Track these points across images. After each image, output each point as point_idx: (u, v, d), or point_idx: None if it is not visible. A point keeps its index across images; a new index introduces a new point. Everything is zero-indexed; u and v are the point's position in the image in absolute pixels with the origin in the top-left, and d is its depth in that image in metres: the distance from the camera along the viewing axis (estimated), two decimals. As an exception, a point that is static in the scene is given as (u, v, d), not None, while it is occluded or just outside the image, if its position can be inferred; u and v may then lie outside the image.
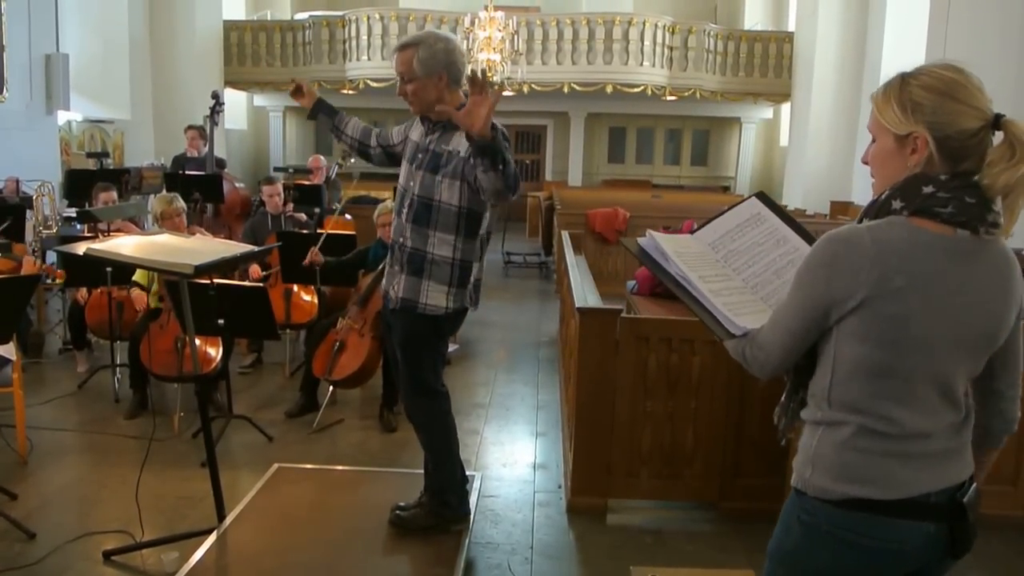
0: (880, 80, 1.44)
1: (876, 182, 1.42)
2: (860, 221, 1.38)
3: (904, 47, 10.39)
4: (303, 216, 6.11)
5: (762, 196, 1.68)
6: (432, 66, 2.67)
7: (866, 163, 1.44)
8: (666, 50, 13.17)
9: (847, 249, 1.31)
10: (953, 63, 1.36)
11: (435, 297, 2.75)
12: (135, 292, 4.68)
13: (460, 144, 2.65)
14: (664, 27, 13.12)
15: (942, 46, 7.09)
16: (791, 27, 13.88)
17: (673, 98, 13.66)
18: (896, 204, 1.34)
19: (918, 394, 1.34)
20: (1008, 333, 1.40)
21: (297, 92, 3.03)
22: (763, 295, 1.53)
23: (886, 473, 1.34)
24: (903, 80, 1.36)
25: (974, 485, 1.42)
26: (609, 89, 13.09)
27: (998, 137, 1.33)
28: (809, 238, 1.59)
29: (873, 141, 1.41)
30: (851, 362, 1.35)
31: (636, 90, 13.11)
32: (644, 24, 12.91)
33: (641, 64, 12.97)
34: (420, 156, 2.78)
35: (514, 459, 4.09)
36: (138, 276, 4.66)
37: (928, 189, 1.32)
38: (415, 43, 2.69)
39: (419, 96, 2.71)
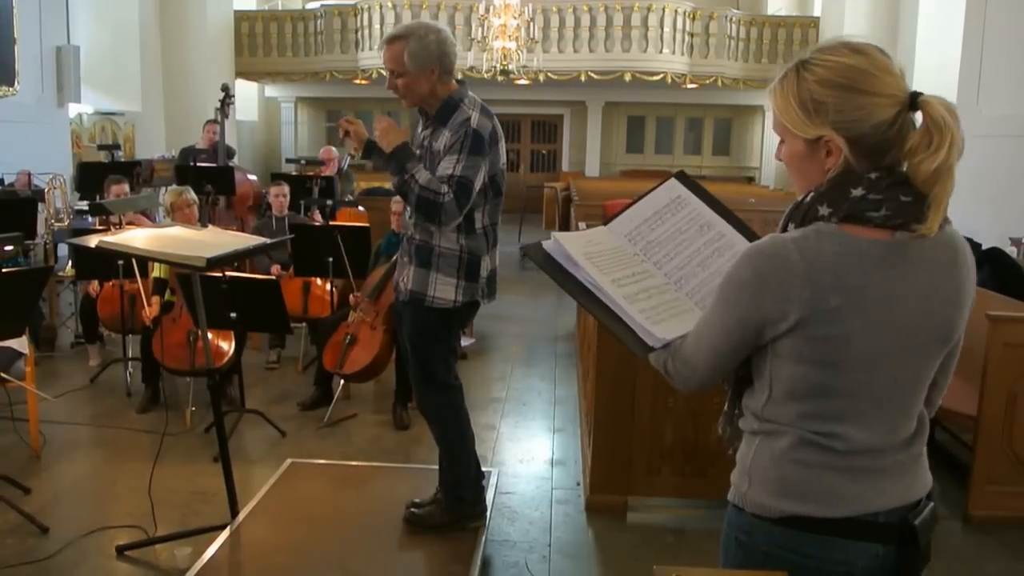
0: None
1: (796, 182, 1.28)
2: (784, 227, 1.24)
3: (940, 32, 9.97)
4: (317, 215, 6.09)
5: (682, 176, 1.51)
6: (424, 59, 2.60)
7: (780, 160, 1.29)
8: (686, 36, 12.95)
9: (772, 267, 1.17)
10: (851, 41, 1.18)
11: (443, 290, 2.70)
12: (154, 299, 4.51)
13: (444, 143, 2.61)
14: (684, 13, 12.90)
15: (980, 32, 6.86)
16: (816, 12, 13.60)
17: (694, 86, 13.45)
18: (823, 210, 1.18)
19: (865, 410, 1.21)
20: (961, 330, 1.26)
21: (347, 136, 2.76)
22: (688, 290, 1.39)
23: (828, 489, 1.22)
24: (798, 73, 1.20)
25: (930, 505, 1.28)
26: (627, 77, 12.91)
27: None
28: (735, 220, 1.45)
29: (782, 140, 1.26)
30: (788, 382, 1.23)
31: (655, 78, 12.91)
32: (664, 10, 12.69)
33: (660, 51, 12.78)
34: (419, 152, 2.74)
35: (531, 455, 4.02)
36: (157, 271, 4.59)
37: (857, 192, 1.16)
38: (404, 35, 2.62)
39: (411, 90, 2.65)
